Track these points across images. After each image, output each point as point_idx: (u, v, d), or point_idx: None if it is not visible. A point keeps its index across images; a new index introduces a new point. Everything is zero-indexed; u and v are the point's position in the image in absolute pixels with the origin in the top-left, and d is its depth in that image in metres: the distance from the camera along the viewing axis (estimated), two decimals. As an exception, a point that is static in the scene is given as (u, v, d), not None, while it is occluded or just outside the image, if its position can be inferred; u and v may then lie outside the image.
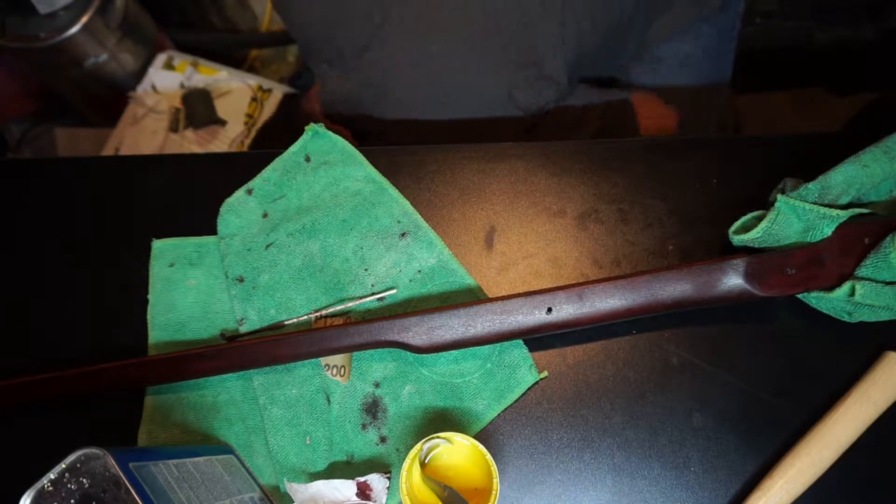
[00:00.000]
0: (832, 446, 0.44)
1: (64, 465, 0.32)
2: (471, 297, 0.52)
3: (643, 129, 0.81)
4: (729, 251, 0.50)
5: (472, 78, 0.79)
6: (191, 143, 1.14)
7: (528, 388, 0.49)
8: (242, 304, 0.53)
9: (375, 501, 0.44)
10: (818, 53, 1.23)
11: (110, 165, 0.55)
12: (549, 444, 0.47)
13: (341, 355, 0.50)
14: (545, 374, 0.49)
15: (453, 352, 0.50)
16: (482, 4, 0.73)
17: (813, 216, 0.46)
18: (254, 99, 1.16)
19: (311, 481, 0.45)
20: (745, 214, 0.49)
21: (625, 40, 0.78)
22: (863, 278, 0.45)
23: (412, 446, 0.42)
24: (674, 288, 0.47)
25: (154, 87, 1.32)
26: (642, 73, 0.81)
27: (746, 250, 0.49)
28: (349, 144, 0.60)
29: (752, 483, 0.45)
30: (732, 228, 0.49)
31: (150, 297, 0.55)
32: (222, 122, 1.14)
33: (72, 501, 0.32)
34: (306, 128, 0.61)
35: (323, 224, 0.55)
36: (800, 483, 0.43)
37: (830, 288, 0.46)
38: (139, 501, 0.32)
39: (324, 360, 0.50)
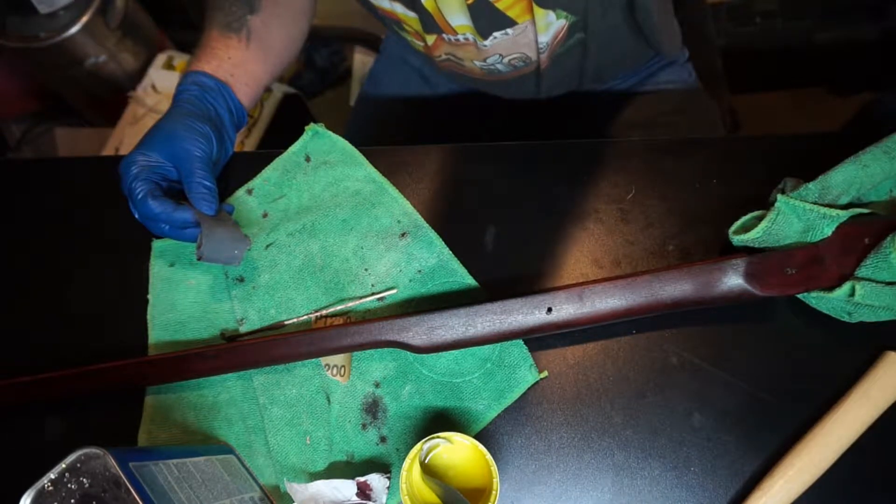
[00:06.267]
0: (832, 446, 0.44)
1: (64, 465, 0.32)
2: (471, 297, 0.52)
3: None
4: (729, 251, 0.50)
5: None
6: (191, 143, 1.14)
7: (528, 388, 0.49)
8: (242, 304, 0.53)
9: (375, 501, 0.44)
10: (818, 53, 1.23)
11: (110, 165, 0.55)
12: (549, 444, 0.47)
13: (341, 355, 0.50)
14: (545, 373, 0.49)
15: (453, 352, 0.50)
16: None
17: (813, 216, 0.46)
18: (254, 99, 1.16)
19: (311, 481, 0.45)
20: (745, 214, 0.49)
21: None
22: (863, 278, 0.45)
23: (412, 446, 0.41)
24: (674, 288, 0.47)
25: (154, 87, 1.32)
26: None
27: (746, 250, 0.49)
28: (349, 144, 0.60)
29: (752, 483, 0.45)
30: (732, 228, 0.49)
31: (150, 297, 0.55)
32: (222, 122, 1.13)
33: (72, 501, 0.32)
34: (306, 128, 0.61)
35: (323, 224, 0.55)
36: (800, 483, 0.43)
37: (830, 288, 0.46)
38: (139, 501, 0.32)
39: (324, 360, 0.50)
